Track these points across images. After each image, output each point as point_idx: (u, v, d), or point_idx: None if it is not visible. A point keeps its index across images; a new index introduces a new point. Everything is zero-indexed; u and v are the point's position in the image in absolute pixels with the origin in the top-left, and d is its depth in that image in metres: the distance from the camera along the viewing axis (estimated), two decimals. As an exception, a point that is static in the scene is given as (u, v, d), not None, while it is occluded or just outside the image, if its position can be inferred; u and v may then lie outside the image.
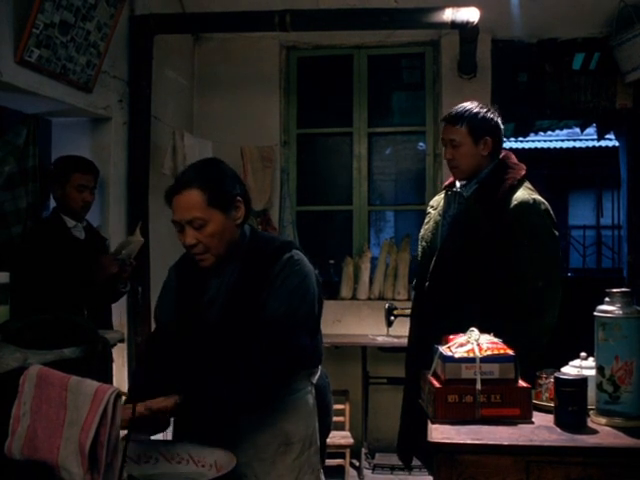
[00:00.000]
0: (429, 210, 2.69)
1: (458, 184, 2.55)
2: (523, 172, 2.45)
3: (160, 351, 1.97)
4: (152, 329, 2.26)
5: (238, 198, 1.89)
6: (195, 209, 1.82)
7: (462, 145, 2.46)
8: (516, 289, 2.31)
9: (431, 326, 2.42)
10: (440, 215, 2.57)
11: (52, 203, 3.31)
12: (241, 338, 1.81)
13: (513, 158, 2.52)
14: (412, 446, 2.59)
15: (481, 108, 2.49)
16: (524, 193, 2.38)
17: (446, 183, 2.65)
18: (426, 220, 2.67)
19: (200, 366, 1.86)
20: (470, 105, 2.50)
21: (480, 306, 2.32)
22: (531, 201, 2.35)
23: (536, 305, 2.30)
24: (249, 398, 1.80)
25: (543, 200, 2.39)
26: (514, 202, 2.35)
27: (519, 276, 2.31)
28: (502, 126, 2.50)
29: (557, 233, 2.38)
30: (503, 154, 2.52)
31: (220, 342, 1.87)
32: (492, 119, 2.47)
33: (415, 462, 2.83)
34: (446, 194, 2.60)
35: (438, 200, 2.66)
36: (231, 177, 1.93)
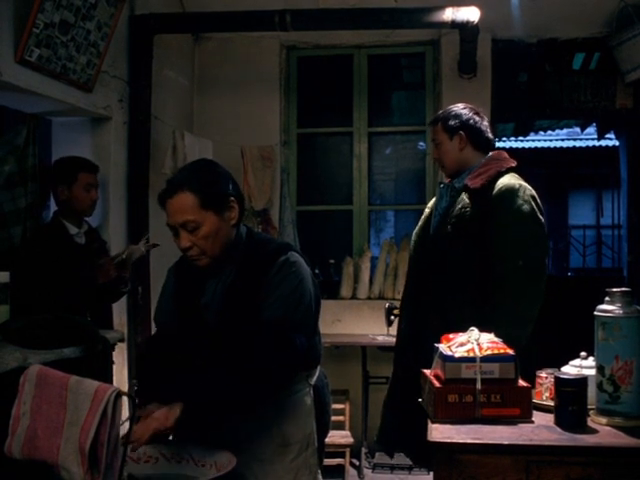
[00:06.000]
0: (426, 210, 2.71)
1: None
2: (512, 164, 2.47)
3: (161, 353, 1.96)
4: (152, 329, 2.25)
5: (231, 198, 1.87)
6: (187, 212, 1.80)
7: (442, 143, 2.52)
8: (498, 269, 2.31)
9: (421, 320, 2.43)
10: (434, 209, 2.60)
11: (52, 204, 3.28)
12: (239, 341, 1.81)
13: (504, 154, 2.54)
14: (395, 439, 2.61)
15: (456, 106, 2.53)
16: (510, 179, 2.40)
17: (445, 181, 2.67)
18: (421, 218, 2.69)
19: (199, 369, 1.86)
20: (451, 106, 2.55)
21: (469, 295, 2.33)
22: (517, 185, 2.36)
23: (515, 285, 2.28)
24: (248, 397, 1.80)
25: (529, 187, 2.39)
26: (499, 186, 2.37)
27: (501, 256, 2.31)
28: (477, 119, 2.51)
29: (542, 219, 2.37)
30: (495, 152, 2.55)
31: (218, 344, 1.87)
32: (464, 114, 2.50)
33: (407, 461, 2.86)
34: (439, 188, 2.62)
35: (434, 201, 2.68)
36: (224, 177, 1.90)
